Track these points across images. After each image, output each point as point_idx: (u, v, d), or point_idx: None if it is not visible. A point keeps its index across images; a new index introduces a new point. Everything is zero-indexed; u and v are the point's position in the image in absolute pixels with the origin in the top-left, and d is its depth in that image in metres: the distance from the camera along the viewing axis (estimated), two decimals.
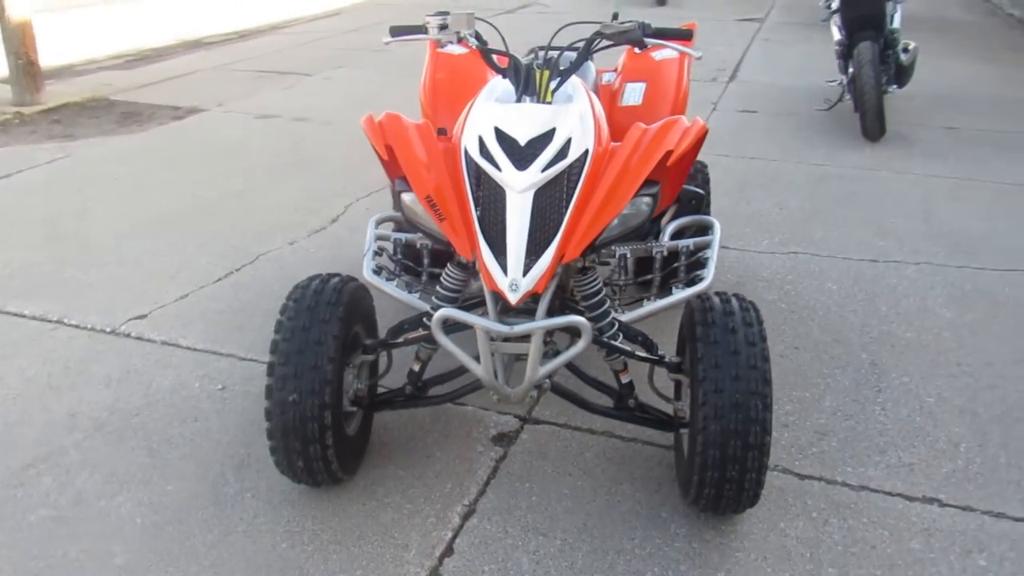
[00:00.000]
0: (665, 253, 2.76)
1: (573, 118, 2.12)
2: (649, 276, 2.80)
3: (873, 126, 5.38)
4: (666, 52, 3.20)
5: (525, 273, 1.98)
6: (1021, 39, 9.16)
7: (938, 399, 2.76)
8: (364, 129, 2.30)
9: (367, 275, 2.80)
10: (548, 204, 2.03)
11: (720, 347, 2.02)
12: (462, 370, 2.41)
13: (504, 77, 2.34)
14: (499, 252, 2.01)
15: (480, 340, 2.02)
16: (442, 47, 3.14)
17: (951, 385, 2.84)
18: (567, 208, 2.04)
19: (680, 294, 2.65)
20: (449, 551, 2.15)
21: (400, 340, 2.33)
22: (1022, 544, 2.16)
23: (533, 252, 2.00)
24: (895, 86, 5.67)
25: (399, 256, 2.95)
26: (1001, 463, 2.46)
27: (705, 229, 3.11)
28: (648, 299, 2.69)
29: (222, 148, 5.52)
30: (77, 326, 3.27)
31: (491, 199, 2.05)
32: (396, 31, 2.55)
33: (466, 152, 2.12)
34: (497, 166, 2.05)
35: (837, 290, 3.51)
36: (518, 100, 2.24)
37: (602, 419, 2.61)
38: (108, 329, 3.25)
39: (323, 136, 5.78)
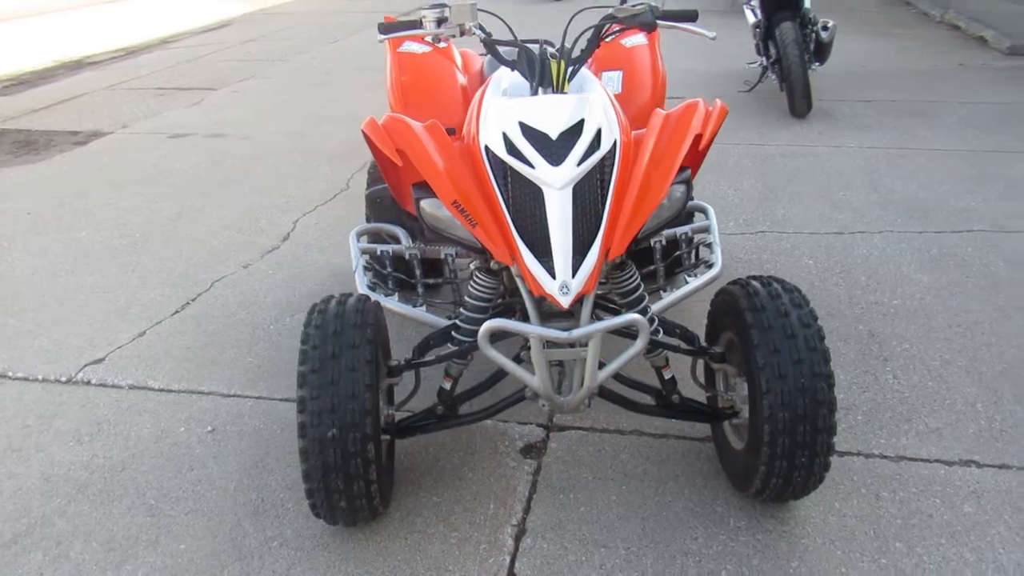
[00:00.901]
0: (664, 242, 2.70)
1: (598, 108, 2.02)
2: (652, 267, 2.73)
3: (801, 104, 5.51)
4: (635, 39, 3.15)
5: (574, 274, 1.87)
6: (907, 16, 9.66)
7: (942, 362, 2.81)
8: (367, 134, 2.13)
9: (363, 291, 2.62)
10: (586, 199, 1.92)
11: (775, 332, 1.96)
12: (490, 384, 2.28)
13: (513, 69, 2.21)
14: (541, 254, 1.89)
15: (535, 349, 1.89)
16: (440, 43, 2.96)
17: (949, 347, 2.90)
18: (605, 202, 1.94)
19: (696, 282, 2.60)
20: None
21: (431, 358, 2.17)
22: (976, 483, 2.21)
23: (578, 251, 1.89)
24: (817, 64, 5.84)
25: (389, 270, 2.78)
26: (1020, 418, 2.52)
27: (690, 215, 3.08)
28: (663, 291, 2.63)
29: (138, 172, 5.13)
30: (26, 379, 2.93)
31: (525, 199, 1.92)
32: (387, 28, 2.37)
33: (488, 151, 1.99)
34: (529, 163, 1.92)
35: (814, 265, 3.55)
36: (533, 93, 2.11)
37: (628, 419, 2.54)
38: (63, 378, 2.93)
39: (246, 151, 5.47)
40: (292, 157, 5.30)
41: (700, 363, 2.30)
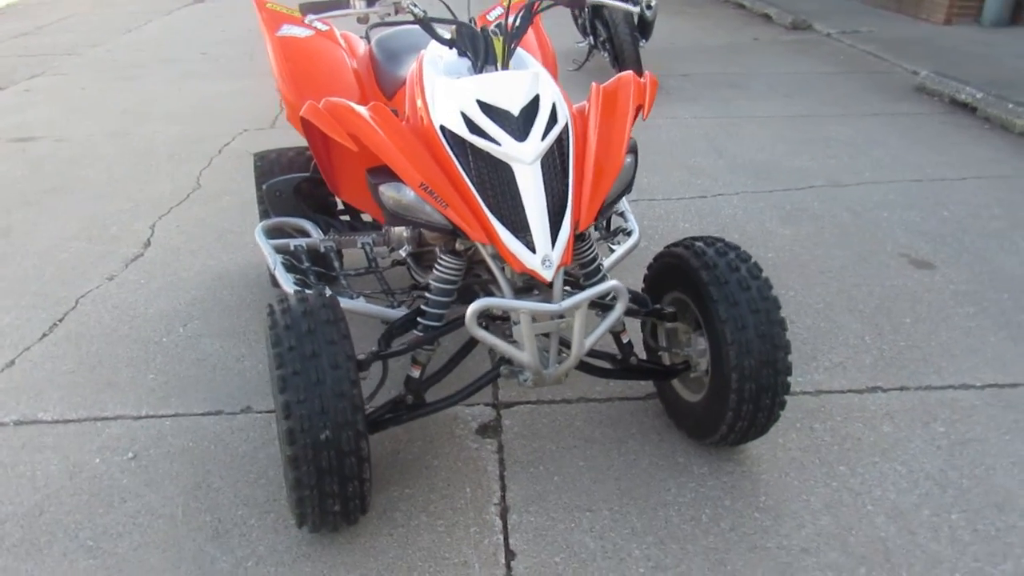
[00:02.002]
0: None
1: (549, 83, 2.05)
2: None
3: None
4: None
5: (552, 247, 1.89)
6: None
7: (825, 304, 3.13)
8: (313, 119, 2.01)
9: (291, 290, 2.48)
10: (552, 173, 1.95)
11: (731, 286, 2.09)
12: (450, 367, 2.25)
13: (451, 48, 2.17)
14: (517, 230, 1.90)
15: (525, 325, 1.89)
16: (367, 24, 2.80)
17: (827, 290, 3.22)
18: (567, 175, 1.97)
19: (621, 249, 2.70)
20: (511, 554, 2.02)
21: (403, 347, 2.11)
22: (958, 405, 2.54)
23: (552, 225, 1.91)
24: (643, 40, 6.18)
25: (307, 264, 2.65)
26: (902, 345, 2.86)
27: None
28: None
29: None
30: None
31: (492, 177, 1.91)
32: (309, 8, 2.24)
33: (446, 131, 1.95)
34: (494, 140, 1.91)
35: (691, 228, 3.79)
36: (479, 70, 2.10)
37: (572, 388, 2.61)
38: None
39: (66, 155, 4.93)
40: (123, 159, 4.85)
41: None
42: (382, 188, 1.99)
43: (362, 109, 2.03)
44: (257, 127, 5.35)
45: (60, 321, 3.09)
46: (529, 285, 2.08)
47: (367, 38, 3.15)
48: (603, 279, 2.21)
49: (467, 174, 1.92)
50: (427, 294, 2.14)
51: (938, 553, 2.01)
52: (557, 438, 2.43)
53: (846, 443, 2.38)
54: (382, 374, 2.17)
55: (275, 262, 2.60)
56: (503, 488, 2.23)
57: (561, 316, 1.92)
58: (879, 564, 1.97)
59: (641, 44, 6.13)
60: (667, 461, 2.33)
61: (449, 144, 1.95)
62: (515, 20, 2.16)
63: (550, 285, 1.93)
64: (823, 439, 2.40)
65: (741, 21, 8.74)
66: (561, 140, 1.98)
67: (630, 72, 2.26)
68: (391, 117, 2.02)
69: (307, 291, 2.01)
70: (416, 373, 2.15)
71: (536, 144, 1.92)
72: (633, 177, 2.15)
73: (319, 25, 3.04)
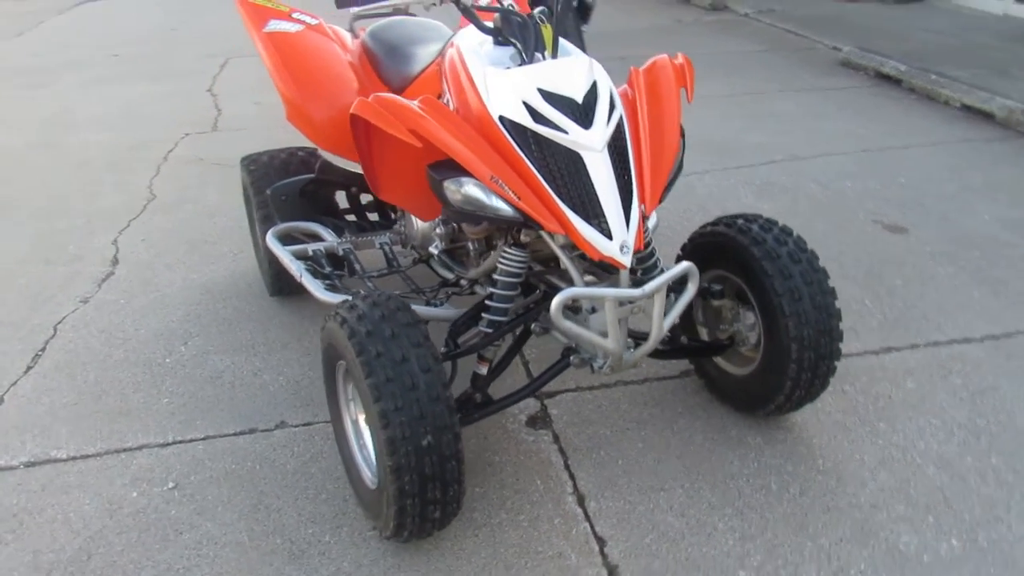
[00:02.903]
0: None
1: (600, 69, 2.05)
2: None
3: None
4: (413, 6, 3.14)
5: None
6: None
7: None
8: (368, 116, 1.95)
9: (326, 296, 2.40)
10: (618, 158, 1.95)
11: (783, 259, 2.16)
12: (506, 363, 2.22)
13: (496, 36, 2.13)
14: (589, 218, 1.89)
15: (610, 311, 1.89)
16: (352, 17, 2.68)
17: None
18: (629, 159, 1.98)
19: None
20: (601, 540, 2.02)
21: (474, 343, 2.07)
22: (966, 358, 2.70)
23: (625, 210, 1.92)
24: (584, 24, 6.22)
25: (329, 269, 2.57)
26: (900, 307, 3.02)
27: None
28: None
29: None
30: None
31: (561, 166, 1.90)
32: (344, 1, 2.15)
33: (508, 122, 1.92)
34: (562, 129, 1.90)
35: (674, 208, 3.86)
36: (529, 59, 2.06)
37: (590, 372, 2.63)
38: None
39: None
40: (58, 171, 4.54)
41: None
42: (447, 184, 1.94)
43: (415, 103, 1.97)
44: (198, 131, 5.11)
45: (42, 351, 2.88)
46: (591, 272, 2.08)
47: (351, 31, 3.06)
48: (658, 260, 2.23)
49: (534, 164, 1.90)
50: (492, 289, 2.10)
51: (991, 495, 2.14)
52: (608, 423, 2.44)
53: (879, 402, 2.50)
54: (451, 373, 2.13)
55: (300, 269, 2.50)
56: (572, 477, 2.23)
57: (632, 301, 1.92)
58: (943, 512, 2.08)
59: (584, 28, 6.18)
60: (721, 435, 2.38)
61: (513, 134, 1.92)
62: (558, 4, 2.14)
63: (633, 272, 1.94)
64: (857, 400, 2.51)
65: (660, 4, 8.94)
66: (620, 126, 1.99)
67: (665, 56, 2.28)
68: (448, 111, 1.98)
69: (376, 294, 1.94)
70: (483, 370, 2.12)
71: (603, 131, 1.92)
72: (683, 159, 2.18)
73: (307, 19, 2.93)
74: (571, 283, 2.12)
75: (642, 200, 1.97)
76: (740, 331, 2.33)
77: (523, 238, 2.07)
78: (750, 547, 1.99)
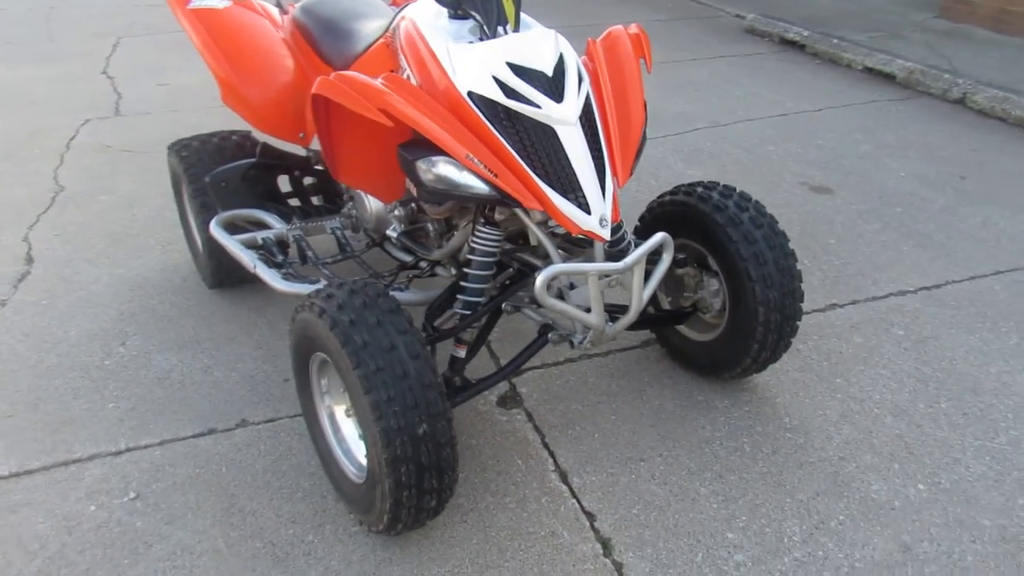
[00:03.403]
0: None
1: (564, 41, 2.02)
2: None
3: None
4: None
5: None
6: None
7: None
8: (333, 95, 1.86)
9: (284, 286, 2.30)
10: (589, 131, 1.94)
11: (746, 226, 2.20)
12: (479, 344, 2.19)
13: (456, 10, 2.06)
14: (567, 192, 1.87)
15: (593, 286, 1.88)
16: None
17: None
18: (598, 132, 1.97)
19: None
20: (590, 515, 2.03)
21: (453, 327, 2.03)
22: (904, 310, 2.84)
23: (600, 183, 1.91)
24: None
25: (281, 257, 2.47)
26: (836, 264, 3.14)
27: None
28: None
29: None
30: None
31: (535, 141, 1.86)
32: None
33: (478, 97, 1.87)
34: (534, 103, 1.87)
35: None
36: (492, 33, 2.01)
37: (565, 349, 2.63)
38: None
39: None
40: None
41: None
42: (420, 163, 1.88)
43: (378, 81, 1.90)
44: (100, 116, 4.79)
45: None
46: (562, 247, 2.07)
47: (279, 6, 2.92)
48: (626, 233, 2.24)
49: (507, 140, 1.86)
50: (467, 269, 2.06)
51: (946, 439, 2.26)
52: (578, 397, 2.45)
53: (831, 358, 2.60)
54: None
55: (253, 259, 2.39)
56: (552, 454, 2.23)
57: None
58: (905, 458, 2.20)
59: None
60: (689, 401, 2.42)
61: (483, 110, 1.87)
62: None
63: (609, 244, 1.94)
64: (811, 357, 2.60)
65: None
66: (588, 99, 1.97)
67: (620, 26, 2.27)
68: (413, 88, 1.91)
69: (351, 281, 1.87)
70: (462, 353, 2.08)
71: (575, 103, 1.90)
72: (646, 130, 2.18)
73: None
74: (545, 260, 2.11)
75: (614, 173, 1.96)
76: (704, 298, 2.37)
77: (497, 216, 2.03)
78: (734, 508, 2.05)
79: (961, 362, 2.57)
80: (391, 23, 2.28)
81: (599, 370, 2.57)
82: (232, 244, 2.46)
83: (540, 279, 1.84)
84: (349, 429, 2.04)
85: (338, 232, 2.62)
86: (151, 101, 5.05)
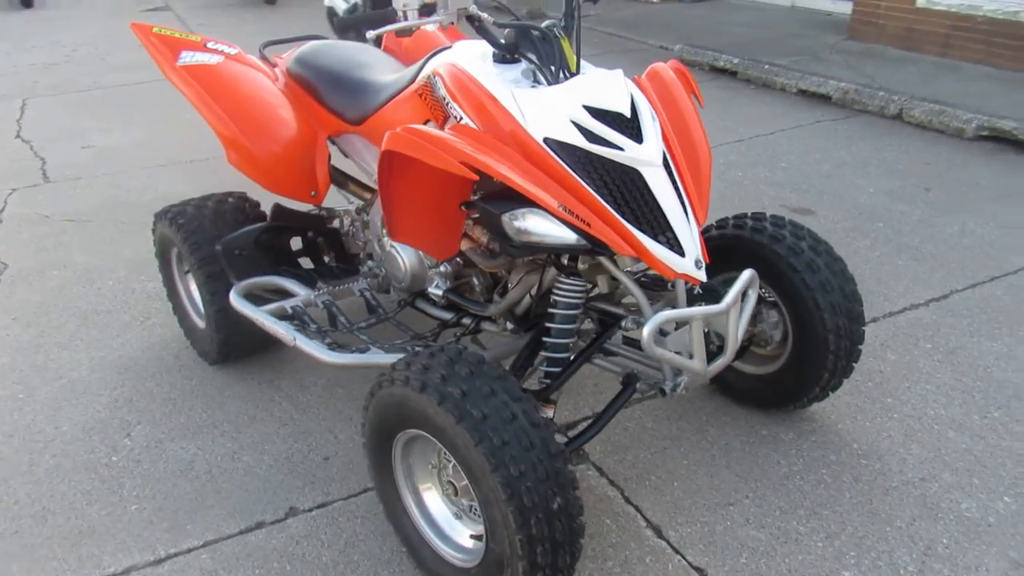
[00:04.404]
0: None
1: (629, 81, 1.96)
2: None
3: None
4: (429, 24, 2.99)
5: None
6: None
7: None
8: (410, 151, 1.74)
9: (333, 358, 2.13)
10: (668, 172, 1.88)
11: (807, 254, 2.18)
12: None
13: (512, 53, 1.95)
14: (657, 236, 1.79)
15: (696, 331, 1.81)
16: (262, 44, 2.37)
17: None
18: (673, 172, 1.91)
19: None
20: (700, 571, 1.94)
21: (547, 385, 1.90)
22: (923, 323, 2.90)
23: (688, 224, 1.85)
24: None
25: (315, 326, 2.30)
26: None
27: None
28: None
29: None
30: None
31: (621, 184, 1.78)
32: (346, 24, 1.88)
33: (556, 143, 1.77)
34: (616, 146, 1.79)
35: None
36: (554, 77, 1.91)
37: (609, 395, 2.55)
38: None
39: None
40: None
41: None
42: (506, 217, 1.77)
43: (449, 133, 1.78)
44: (27, 184, 4.40)
45: None
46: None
47: (263, 57, 2.75)
48: None
49: (591, 186, 1.77)
50: (550, 324, 1.94)
51: (1011, 448, 2.29)
52: (643, 445, 2.36)
53: (874, 378, 2.61)
54: None
55: (291, 332, 2.19)
56: (638, 509, 2.12)
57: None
58: (981, 471, 2.20)
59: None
60: (754, 437, 2.37)
61: (563, 156, 1.77)
62: (576, 16, 2.01)
63: (700, 286, 1.87)
64: (856, 380, 2.60)
65: None
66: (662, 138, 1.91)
67: (661, 63, 2.23)
68: (488, 139, 1.80)
69: (440, 348, 1.73)
70: (550, 413, 1.95)
71: (656, 144, 1.83)
72: None
73: (224, 48, 2.59)
74: (628, 308, 2.04)
75: (694, 212, 1.90)
76: (764, 331, 2.33)
77: (580, 265, 1.93)
78: (839, 544, 1.99)
79: (995, 369, 2.63)
80: (419, 71, 2.16)
81: (654, 414, 2.48)
82: (262, 317, 2.25)
83: (648, 329, 1.75)
84: (440, 510, 1.88)
85: (367, 294, 2.45)
86: (79, 165, 4.69)
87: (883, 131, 4.88)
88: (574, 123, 1.78)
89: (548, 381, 1.93)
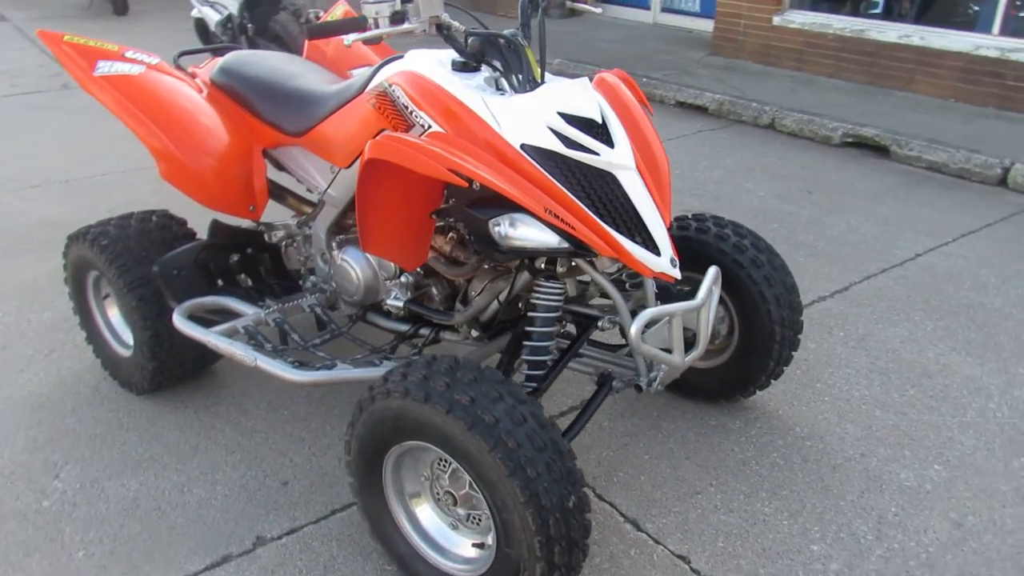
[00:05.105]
0: None
1: (594, 89, 2.02)
2: None
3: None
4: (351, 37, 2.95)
5: None
6: None
7: None
8: (395, 159, 1.72)
9: (303, 376, 2.05)
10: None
11: (750, 251, 2.31)
12: None
13: (478, 62, 1.95)
14: (634, 236, 1.86)
15: (677, 326, 1.88)
16: (175, 53, 2.25)
17: None
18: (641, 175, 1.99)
19: None
20: (683, 559, 2.00)
21: (532, 389, 1.91)
22: (832, 313, 3.13)
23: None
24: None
25: (270, 345, 2.21)
26: None
27: None
28: None
29: None
30: None
31: (597, 188, 1.83)
32: (316, 31, 1.81)
33: (534, 148, 1.80)
34: (592, 151, 1.84)
35: None
36: (522, 85, 1.94)
37: (563, 395, 2.61)
38: None
39: None
40: None
41: None
42: (492, 223, 1.78)
43: (425, 140, 1.78)
44: None
45: None
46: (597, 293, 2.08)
47: (179, 67, 2.62)
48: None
49: (569, 190, 1.81)
50: (531, 328, 1.96)
51: (931, 421, 2.51)
52: (603, 443, 2.41)
53: (801, 366, 2.79)
54: None
55: (251, 353, 2.08)
56: (612, 505, 2.17)
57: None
58: (910, 444, 2.41)
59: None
60: (706, 427, 2.48)
61: (541, 160, 1.81)
62: (542, 24, 2.04)
63: (675, 283, 1.94)
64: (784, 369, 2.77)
65: None
66: None
67: (606, 71, 2.30)
68: (467, 145, 1.80)
69: (432, 357, 1.72)
70: None
71: (627, 148, 1.90)
72: None
73: (144, 58, 2.45)
74: (602, 309, 2.09)
75: (661, 212, 1.97)
76: (712, 326, 2.44)
77: (559, 268, 1.96)
78: (803, 521, 2.12)
79: (903, 351, 2.88)
80: (367, 81, 2.13)
81: (608, 412, 2.54)
82: (215, 339, 2.13)
83: (636, 327, 1.80)
84: (434, 523, 1.85)
85: (318, 309, 2.37)
86: None
87: (759, 139, 5.23)
88: (551, 129, 1.81)
89: (532, 384, 1.94)
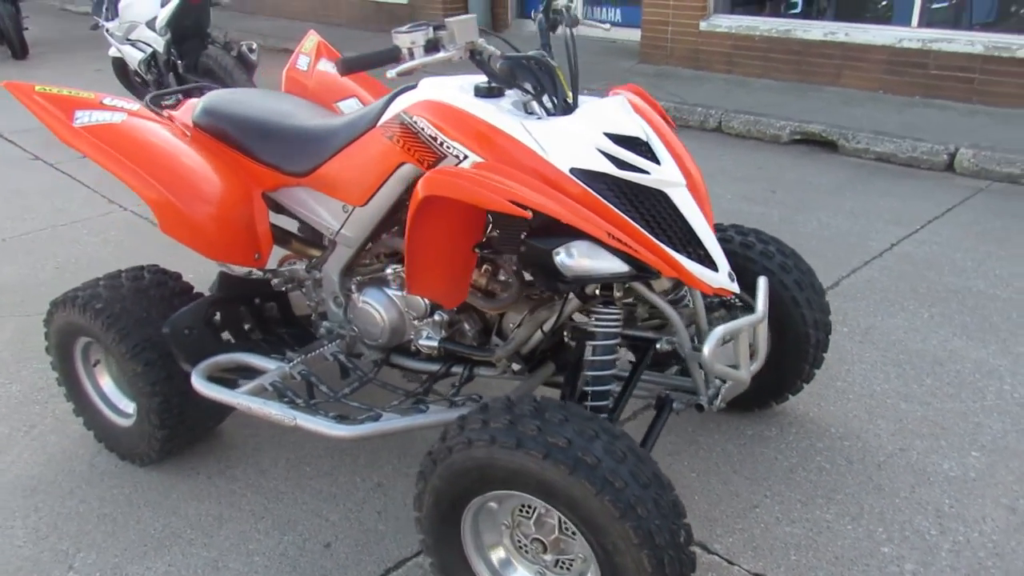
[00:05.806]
0: None
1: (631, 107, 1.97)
2: None
3: None
4: (328, 65, 2.83)
5: None
6: None
7: None
8: (454, 194, 1.62)
9: (351, 431, 1.92)
10: None
11: (777, 257, 2.30)
12: None
13: (510, 86, 1.87)
14: (690, 254, 1.82)
15: (743, 341, 1.84)
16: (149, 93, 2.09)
17: None
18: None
19: None
20: None
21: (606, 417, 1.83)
22: (832, 307, 3.16)
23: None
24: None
25: (302, 401, 2.07)
26: None
27: None
28: None
29: None
30: None
31: (651, 207, 1.78)
32: (350, 64, 1.69)
33: (583, 172, 1.74)
34: (643, 170, 1.79)
35: None
36: (556, 107, 1.86)
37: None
38: None
39: None
40: None
41: None
42: (557, 252, 1.70)
43: (474, 170, 1.69)
44: None
45: None
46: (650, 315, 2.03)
47: (154, 110, 2.45)
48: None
49: (624, 211, 1.75)
50: (592, 357, 1.88)
51: (956, 409, 2.55)
52: None
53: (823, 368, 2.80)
54: None
55: (291, 413, 1.94)
56: None
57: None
58: (943, 434, 2.43)
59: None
60: (744, 438, 2.45)
61: (591, 183, 1.74)
62: (571, 43, 1.97)
63: (734, 298, 1.91)
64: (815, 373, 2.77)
65: None
66: None
67: (623, 89, 2.26)
68: (517, 174, 1.72)
69: (517, 400, 1.63)
70: None
71: (674, 164, 1.85)
72: None
73: (124, 104, 2.28)
74: (657, 330, 2.04)
75: (710, 226, 1.94)
76: None
77: (616, 293, 1.89)
78: (867, 523, 2.10)
79: (909, 341, 2.93)
80: (379, 114, 2.02)
81: (640, 434, 2.48)
82: (247, 400, 1.97)
83: (711, 344, 1.76)
84: (517, 574, 1.74)
85: (341, 357, 2.24)
86: None
87: (710, 143, 5.30)
88: (600, 151, 1.75)
89: (602, 415, 1.86)
